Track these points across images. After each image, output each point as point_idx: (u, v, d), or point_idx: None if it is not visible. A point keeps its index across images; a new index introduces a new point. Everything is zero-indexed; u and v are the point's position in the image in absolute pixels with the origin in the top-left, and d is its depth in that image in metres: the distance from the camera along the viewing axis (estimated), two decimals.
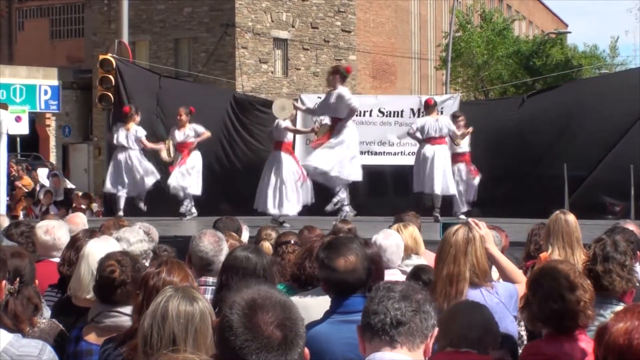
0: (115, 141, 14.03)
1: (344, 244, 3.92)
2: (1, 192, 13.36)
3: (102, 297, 4.15)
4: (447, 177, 13.66)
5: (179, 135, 13.98)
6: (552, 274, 3.90)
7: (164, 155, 14.08)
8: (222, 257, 4.70)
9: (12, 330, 3.52)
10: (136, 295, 3.73)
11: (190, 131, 13.94)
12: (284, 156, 12.94)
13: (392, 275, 5.09)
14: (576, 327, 3.81)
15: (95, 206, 19.44)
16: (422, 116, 14.26)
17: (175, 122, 14.21)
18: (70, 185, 20.27)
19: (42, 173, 20.29)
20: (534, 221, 8.59)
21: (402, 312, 2.74)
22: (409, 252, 5.98)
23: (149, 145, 14.07)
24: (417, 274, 4.95)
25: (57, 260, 5.87)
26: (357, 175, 12.22)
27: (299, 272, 5.10)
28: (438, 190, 13.49)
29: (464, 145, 14.21)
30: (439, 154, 13.64)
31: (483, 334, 3.58)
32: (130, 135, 13.91)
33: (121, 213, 13.59)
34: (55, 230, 6.05)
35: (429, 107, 13.96)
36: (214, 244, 4.89)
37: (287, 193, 12.70)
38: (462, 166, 14.28)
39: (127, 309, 4.10)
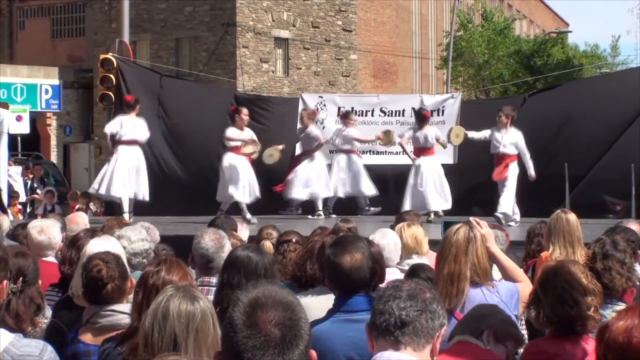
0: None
1: (350, 241, 3.94)
2: (1, 191, 13.37)
3: (93, 298, 4.16)
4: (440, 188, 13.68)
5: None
6: (566, 277, 3.87)
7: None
8: (224, 255, 4.71)
9: (14, 330, 3.51)
10: (135, 294, 3.73)
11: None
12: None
13: (391, 274, 5.08)
14: (584, 332, 3.82)
15: (93, 206, 18.87)
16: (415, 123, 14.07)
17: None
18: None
19: (14, 170, 17.97)
20: (534, 220, 8.60)
21: (406, 312, 2.74)
22: (410, 252, 5.96)
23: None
24: (415, 272, 4.94)
25: (51, 259, 5.89)
26: None
27: (299, 273, 5.08)
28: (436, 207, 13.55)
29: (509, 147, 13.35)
30: (430, 166, 13.67)
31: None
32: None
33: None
34: (50, 230, 6.06)
35: (426, 120, 13.81)
36: (215, 242, 4.91)
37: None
38: None
39: (121, 307, 4.11)
